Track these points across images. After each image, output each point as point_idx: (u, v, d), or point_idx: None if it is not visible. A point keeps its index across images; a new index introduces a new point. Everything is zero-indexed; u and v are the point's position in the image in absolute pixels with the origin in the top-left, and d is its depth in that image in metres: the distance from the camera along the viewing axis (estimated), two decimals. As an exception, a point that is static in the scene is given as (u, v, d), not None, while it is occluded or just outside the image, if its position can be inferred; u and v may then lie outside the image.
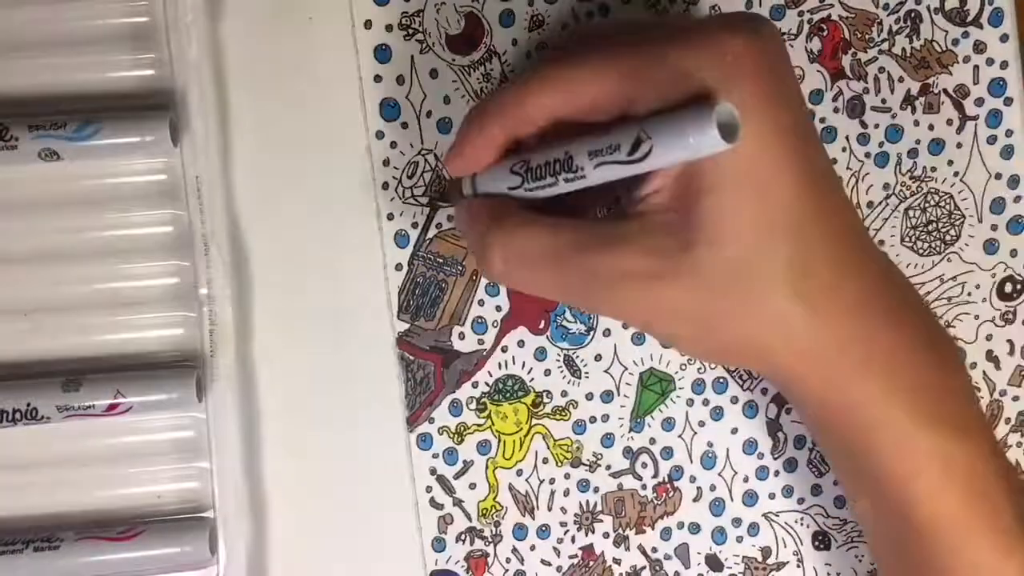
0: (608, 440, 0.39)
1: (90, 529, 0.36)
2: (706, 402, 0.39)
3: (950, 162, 0.39)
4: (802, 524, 0.40)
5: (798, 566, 0.41)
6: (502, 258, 0.31)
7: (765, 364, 0.32)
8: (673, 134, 0.27)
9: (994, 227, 0.39)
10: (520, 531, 0.40)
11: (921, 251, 0.39)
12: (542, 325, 0.39)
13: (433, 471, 0.39)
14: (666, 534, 0.40)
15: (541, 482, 0.39)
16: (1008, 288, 0.40)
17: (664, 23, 0.34)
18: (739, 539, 0.40)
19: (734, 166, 0.28)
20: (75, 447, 0.37)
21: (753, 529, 0.40)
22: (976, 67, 0.38)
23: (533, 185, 0.31)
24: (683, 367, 0.39)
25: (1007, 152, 0.39)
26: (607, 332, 0.39)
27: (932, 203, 0.39)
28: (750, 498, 0.40)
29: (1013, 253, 0.39)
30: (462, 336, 0.38)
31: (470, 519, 0.39)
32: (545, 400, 0.39)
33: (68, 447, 0.37)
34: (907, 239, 0.39)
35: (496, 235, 0.31)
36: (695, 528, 0.40)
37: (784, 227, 0.29)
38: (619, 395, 0.39)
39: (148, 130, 0.35)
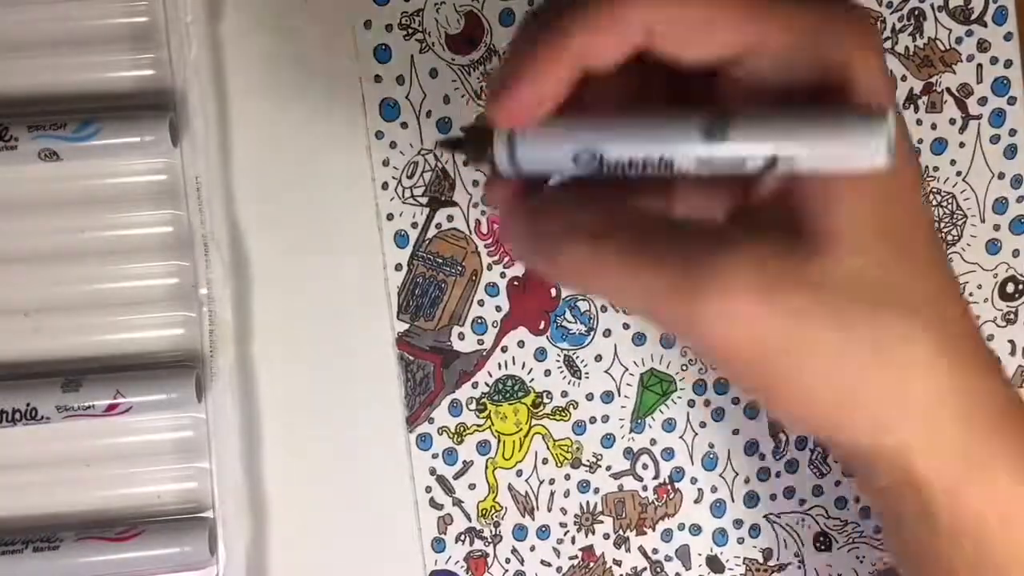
0: (608, 441, 0.39)
1: (90, 529, 0.36)
2: (707, 403, 0.39)
3: (953, 161, 0.39)
4: (803, 525, 0.40)
5: (799, 567, 0.40)
6: (579, 279, 0.25)
7: (869, 426, 0.25)
8: (830, 146, 0.22)
9: (996, 227, 0.39)
10: (520, 531, 0.39)
11: (923, 251, 0.39)
12: (542, 325, 0.39)
13: (433, 471, 0.39)
14: (667, 535, 0.40)
15: (541, 483, 0.39)
16: (1010, 288, 0.39)
17: None
18: (740, 540, 0.40)
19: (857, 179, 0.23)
20: (75, 447, 0.37)
21: (754, 530, 0.40)
22: (980, 66, 0.38)
23: (599, 174, 0.24)
24: (684, 368, 0.39)
25: (1010, 152, 0.38)
26: (607, 333, 0.39)
27: (934, 203, 0.39)
28: (751, 499, 0.40)
29: (1015, 253, 0.39)
30: (462, 336, 0.38)
31: (470, 519, 0.39)
32: (545, 400, 0.39)
33: (68, 447, 0.37)
34: (909, 239, 0.39)
35: (574, 257, 0.24)
36: (696, 529, 0.40)
37: (920, 250, 0.24)
38: (619, 396, 0.39)
39: (148, 130, 0.35)
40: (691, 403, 0.39)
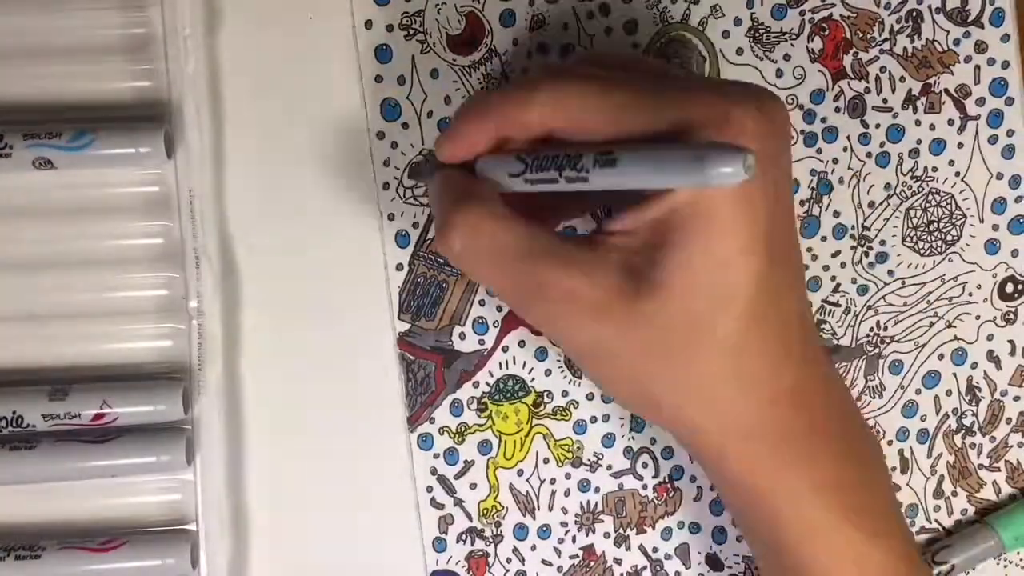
0: (609, 440, 0.39)
1: (72, 539, 0.36)
2: (707, 402, 0.39)
3: (951, 162, 0.39)
4: (803, 524, 0.40)
5: (798, 566, 0.41)
6: (460, 241, 0.30)
7: (686, 432, 0.32)
8: (691, 157, 0.26)
9: (995, 227, 0.39)
10: (521, 531, 0.39)
11: (922, 251, 0.39)
12: (543, 325, 0.39)
13: (434, 471, 0.39)
14: (667, 534, 0.40)
15: (542, 482, 0.39)
16: (1009, 288, 0.40)
17: (676, 76, 0.33)
18: (739, 539, 0.40)
19: (705, 232, 0.28)
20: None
21: (754, 529, 0.40)
22: (977, 67, 0.38)
23: (535, 176, 0.30)
24: (684, 367, 0.39)
25: (1008, 152, 0.39)
26: (608, 332, 0.39)
27: (933, 203, 0.39)
28: (751, 498, 0.40)
29: (1014, 253, 0.39)
30: (463, 336, 0.38)
31: (471, 519, 0.39)
32: (546, 400, 0.39)
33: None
34: (908, 239, 0.39)
35: (459, 216, 0.30)
36: (695, 528, 0.40)
37: (735, 306, 0.29)
38: (620, 395, 0.39)
39: (143, 142, 0.35)
40: (691, 402, 0.39)
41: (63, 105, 0.36)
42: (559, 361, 0.39)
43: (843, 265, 0.39)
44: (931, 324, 0.40)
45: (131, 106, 0.36)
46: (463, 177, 0.32)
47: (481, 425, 0.39)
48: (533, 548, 0.40)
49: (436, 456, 0.39)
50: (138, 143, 0.35)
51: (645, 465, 0.40)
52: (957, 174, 0.39)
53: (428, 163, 0.34)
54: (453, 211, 0.30)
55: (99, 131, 0.35)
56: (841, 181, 0.39)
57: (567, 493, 0.39)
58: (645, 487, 0.40)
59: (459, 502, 0.39)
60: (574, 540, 0.40)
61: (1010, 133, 0.39)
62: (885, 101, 0.38)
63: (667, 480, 0.40)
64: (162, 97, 0.36)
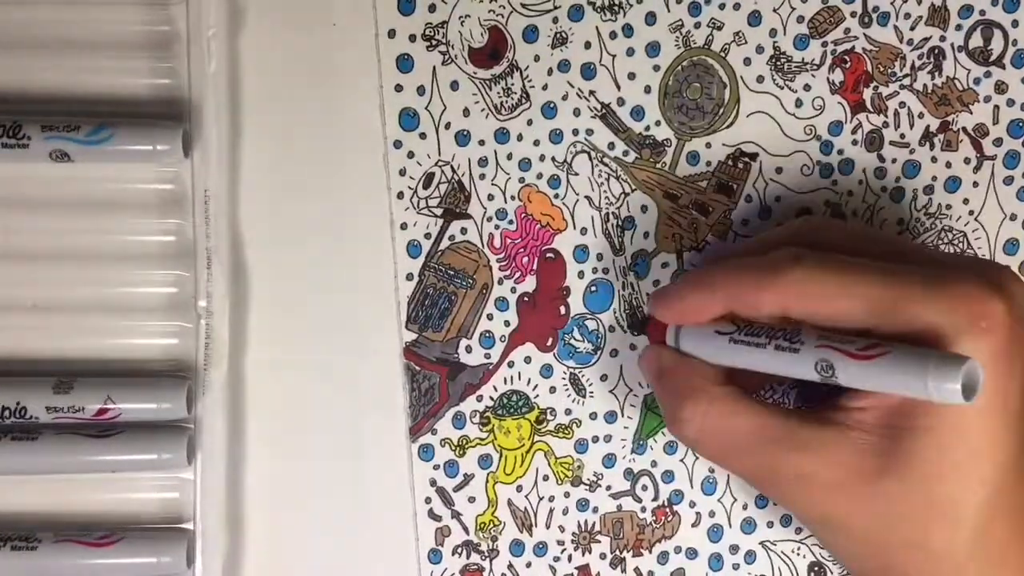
0: (609, 461, 0.39)
1: (69, 532, 0.36)
2: (710, 428, 0.39)
3: (966, 200, 0.39)
4: (799, 554, 0.40)
5: (793, 596, 0.41)
6: (699, 428, 0.32)
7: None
8: (913, 366, 0.27)
9: (1006, 268, 0.39)
10: (517, 547, 0.39)
11: (932, 288, 0.39)
12: (549, 342, 0.39)
13: (433, 482, 0.39)
14: (663, 558, 0.40)
15: (540, 499, 0.39)
16: (1017, 329, 0.39)
17: (912, 255, 0.32)
18: (735, 566, 0.40)
19: (957, 421, 0.28)
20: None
21: (750, 557, 0.40)
22: (996, 107, 0.38)
23: (742, 338, 0.32)
24: (689, 392, 0.39)
25: (1023, 194, 0.39)
26: (614, 353, 0.39)
27: (946, 241, 0.39)
28: (748, 526, 0.40)
29: (1024, 295, 0.39)
30: (469, 349, 0.38)
31: (467, 532, 0.39)
32: (549, 417, 0.39)
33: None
34: (919, 275, 0.39)
35: (698, 406, 0.32)
36: (692, 553, 0.40)
37: (984, 490, 0.29)
38: (623, 416, 0.39)
39: (161, 139, 0.35)
40: (694, 427, 0.39)
41: (83, 99, 0.36)
42: (564, 379, 0.39)
43: (852, 297, 0.39)
44: (939, 362, 0.39)
45: (151, 103, 0.36)
46: (685, 364, 0.34)
47: (483, 439, 0.39)
48: (528, 565, 0.39)
49: (436, 467, 0.39)
50: (156, 140, 0.35)
51: (645, 488, 0.40)
52: (971, 213, 0.39)
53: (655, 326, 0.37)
54: (688, 399, 0.33)
55: (118, 126, 0.35)
56: (855, 214, 0.39)
57: (565, 512, 0.39)
58: (644, 510, 0.40)
59: (456, 515, 0.39)
60: (570, 559, 0.40)
61: (1026, 175, 0.39)
62: (902, 136, 0.38)
63: (666, 504, 0.40)
64: (182, 96, 0.36)
